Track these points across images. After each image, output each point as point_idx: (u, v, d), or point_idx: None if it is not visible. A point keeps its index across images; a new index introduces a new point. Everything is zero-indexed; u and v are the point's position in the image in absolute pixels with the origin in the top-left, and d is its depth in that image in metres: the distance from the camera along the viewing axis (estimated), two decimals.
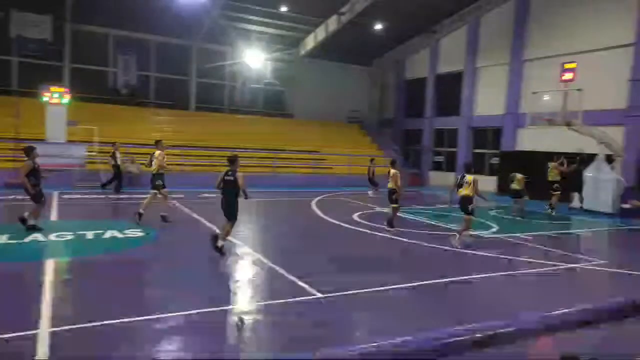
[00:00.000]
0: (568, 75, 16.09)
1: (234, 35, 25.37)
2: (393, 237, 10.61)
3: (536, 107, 17.36)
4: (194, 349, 4.59)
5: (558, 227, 13.49)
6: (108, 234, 9.49)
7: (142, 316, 5.13)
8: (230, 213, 8.24)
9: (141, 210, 10.75)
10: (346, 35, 25.45)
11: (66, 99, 18.34)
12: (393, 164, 11.76)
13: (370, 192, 18.78)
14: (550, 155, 16.41)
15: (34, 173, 9.51)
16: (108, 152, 19.40)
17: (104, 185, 16.99)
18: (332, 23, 25.04)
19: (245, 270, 7.68)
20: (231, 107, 28.05)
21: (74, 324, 4.82)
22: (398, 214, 11.59)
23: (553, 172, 15.56)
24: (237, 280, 7.06)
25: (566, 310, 1.20)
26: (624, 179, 16.70)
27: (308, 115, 28.81)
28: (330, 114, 29.26)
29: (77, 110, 19.51)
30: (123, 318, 5.02)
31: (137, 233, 9.73)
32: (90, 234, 9.37)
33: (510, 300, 6.90)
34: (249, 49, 26.28)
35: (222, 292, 6.36)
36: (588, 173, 16.83)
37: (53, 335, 4.54)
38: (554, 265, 8.64)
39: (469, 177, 9.81)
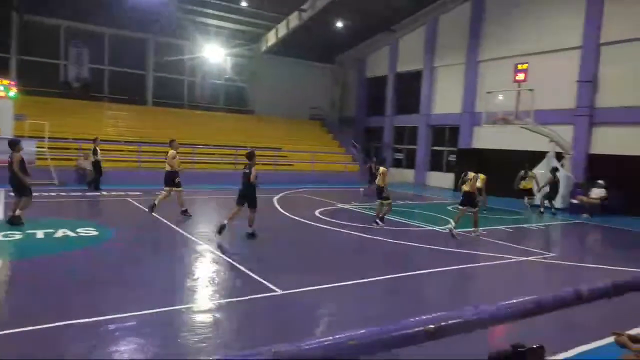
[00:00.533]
0: (520, 76, 16.75)
1: (192, 29, 24.83)
2: (353, 232, 10.72)
3: (491, 106, 17.98)
4: (149, 349, 4.47)
5: (511, 221, 14.03)
6: (60, 232, 9.10)
7: (93, 317, 4.95)
8: (250, 202, 9.49)
9: (156, 202, 11.41)
10: (308, 32, 25.43)
11: (13, 92, 17.39)
12: (382, 162, 12.58)
13: (361, 189, 19.19)
14: (507, 153, 17.05)
15: (24, 165, 9.77)
16: (59, 148, 18.64)
17: (89, 184, 16.49)
18: (293, 19, 24.96)
19: (204, 269, 7.56)
20: (191, 103, 27.47)
21: (20, 327, 4.59)
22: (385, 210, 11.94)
23: (530, 183, 15.91)
24: (196, 279, 6.94)
25: (515, 300, 1.25)
26: (573, 175, 17.59)
27: (270, 111, 28.63)
28: (292, 111, 29.20)
29: (26, 105, 18.59)
30: (73, 320, 4.83)
31: (91, 232, 9.39)
32: (40, 233, 8.96)
33: (464, 292, 7.13)
34: (208, 43, 25.83)
35: (180, 291, 6.23)
36: (539, 170, 17.57)
37: None
38: (507, 259, 8.98)
39: (470, 174, 10.77)
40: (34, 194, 10.25)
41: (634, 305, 5.34)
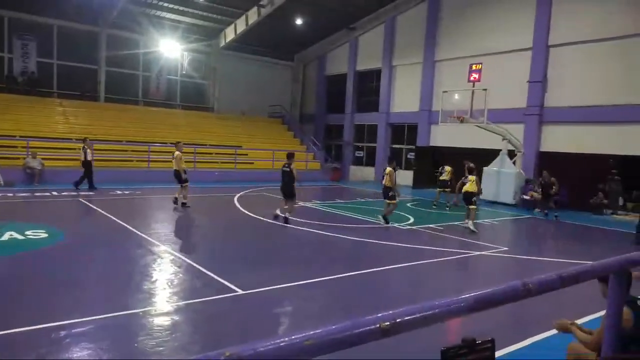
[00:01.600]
0: (475, 76, 17.29)
1: (147, 23, 24.10)
2: (314, 230, 10.75)
3: (447, 105, 18.47)
4: (102, 356, 4.31)
5: (465, 217, 14.44)
6: (6, 235, 8.63)
7: (44, 324, 4.73)
8: (289, 194, 11.36)
9: (184, 201, 13.06)
10: (267, 28, 25.25)
11: None
12: (390, 162, 12.60)
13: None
14: (463, 151, 17.56)
15: None
16: (5, 147, 17.67)
17: (76, 184, 15.74)
18: (252, 15, 24.69)
19: (162, 270, 7.37)
20: (146, 99, 26.67)
21: None
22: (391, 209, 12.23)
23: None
24: (154, 281, 6.75)
25: (466, 295, 1.28)
26: (524, 172, 18.35)
27: (229, 109, 28.25)
28: (252, 108, 28.93)
29: None
30: (21, 327, 4.60)
31: (40, 234, 8.95)
32: None
33: (419, 288, 7.30)
34: (164, 38, 25.16)
35: (136, 293, 6.05)
36: (492, 167, 18.23)
37: None
38: (462, 254, 9.26)
39: (471, 177, 11.93)
40: None
41: (581, 296, 5.65)
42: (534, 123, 19.14)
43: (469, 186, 11.95)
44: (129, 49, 25.30)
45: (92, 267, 7.33)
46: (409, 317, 1.06)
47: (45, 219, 10.66)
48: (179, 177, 13.20)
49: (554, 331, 4.82)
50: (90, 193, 15.13)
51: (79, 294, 5.95)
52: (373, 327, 1.06)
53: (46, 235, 8.97)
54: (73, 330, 4.67)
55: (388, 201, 12.05)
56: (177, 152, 13.29)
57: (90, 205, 12.92)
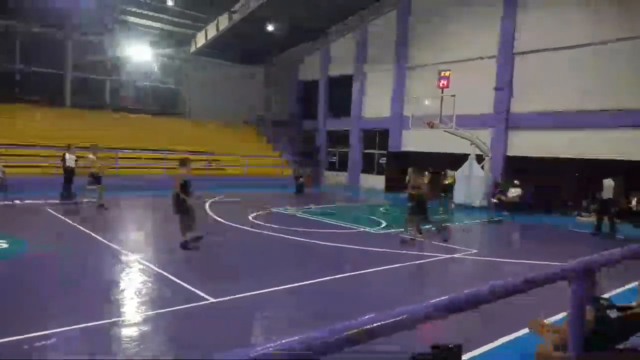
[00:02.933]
0: (444, 82, 17.65)
1: (116, 28, 23.61)
2: (286, 236, 10.71)
3: (417, 110, 18.77)
4: None
5: (439, 221, 14.68)
6: None
7: (8, 337, 4.53)
8: (181, 210, 9.07)
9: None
10: (239, 34, 25.10)
11: None
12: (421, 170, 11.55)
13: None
14: (433, 156, 17.87)
15: None
16: None
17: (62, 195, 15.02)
18: (223, 21, 24.54)
19: (131, 279, 7.19)
20: (114, 105, 26.06)
21: None
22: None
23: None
24: (122, 290, 6.58)
25: (434, 300, 1.30)
26: (492, 176, 18.82)
27: (202, 115, 27.90)
28: (225, 114, 28.64)
29: None
30: None
31: (1, 245, 8.60)
32: None
33: (390, 293, 7.35)
34: (134, 43, 24.69)
35: (105, 304, 5.88)
36: (461, 171, 18.61)
37: None
38: (433, 257, 9.40)
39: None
40: None
41: (549, 297, 5.81)
42: (501, 128, 19.66)
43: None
44: (97, 54, 24.69)
45: (57, 276, 7.08)
46: (377, 324, 1.07)
47: (6, 227, 10.26)
48: (98, 179, 13.85)
49: (522, 331, 4.95)
50: (56, 201, 14.62)
51: (44, 305, 5.74)
52: (344, 335, 1.06)
53: (6, 245, 8.62)
54: (37, 344, 4.50)
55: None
56: (91, 155, 14.11)
57: (56, 214, 12.50)
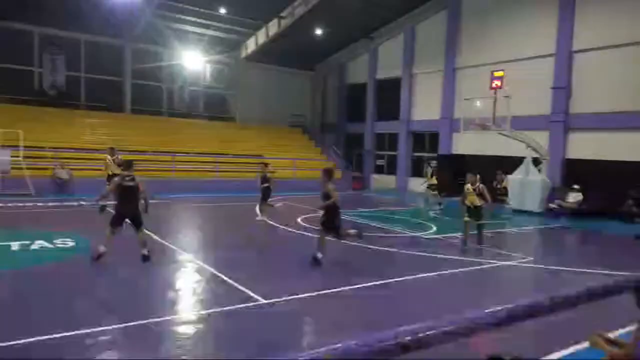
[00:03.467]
0: (497, 83, 17.07)
1: (170, 36, 24.64)
2: (335, 240, 10.72)
3: (469, 112, 18.27)
4: None
5: (489, 226, 14.21)
6: (36, 244, 8.88)
7: (73, 331, 4.84)
8: (135, 217, 8.22)
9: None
10: (287, 39, 25.50)
11: None
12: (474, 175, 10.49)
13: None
14: (486, 159, 17.36)
15: None
16: (35, 158, 18.22)
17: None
18: (273, 27, 25.01)
19: (187, 279, 7.46)
20: (170, 110, 27.20)
21: None
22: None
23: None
24: (178, 289, 6.85)
25: (492, 309, 1.27)
26: (550, 180, 17.97)
27: (251, 119, 28.56)
28: (273, 118, 29.18)
29: None
30: (51, 334, 4.72)
31: (68, 243, 9.19)
32: (15, 245, 8.73)
33: (443, 301, 7.18)
34: (187, 50, 25.67)
35: (161, 302, 6.13)
36: (517, 175, 17.91)
37: None
38: (487, 264, 9.09)
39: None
40: (9, 204, 9.98)
41: (613, 309, 5.47)
42: (559, 130, 18.76)
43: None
44: (153, 62, 25.89)
45: (118, 274, 7.46)
46: (430, 333, 1.05)
47: (72, 227, 10.92)
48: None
49: (582, 345, 4.69)
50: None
51: (105, 302, 6.06)
52: (394, 342, 1.06)
53: (73, 243, 9.19)
54: (99, 338, 4.76)
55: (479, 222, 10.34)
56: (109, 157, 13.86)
57: None
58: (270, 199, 13.76)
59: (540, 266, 9.24)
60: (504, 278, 8.65)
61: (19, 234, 9.81)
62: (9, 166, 16.76)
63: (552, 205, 16.82)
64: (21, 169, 16.66)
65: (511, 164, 18.23)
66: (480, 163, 19.02)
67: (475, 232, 10.44)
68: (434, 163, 24.78)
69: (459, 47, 23.20)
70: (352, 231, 9.05)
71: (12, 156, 16.81)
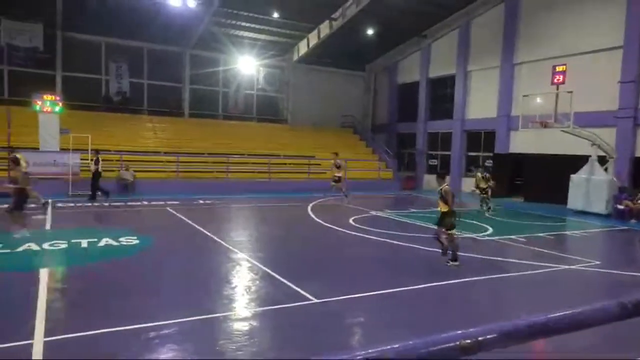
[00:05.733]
0: (559, 78, 16.25)
1: (226, 42, 25.40)
2: (388, 240, 10.63)
3: (528, 109, 17.50)
4: (185, 357, 4.57)
5: (551, 228, 13.56)
6: (103, 242, 9.45)
7: (136, 324, 5.11)
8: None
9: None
10: (338, 40, 25.56)
11: (58, 107, 18.25)
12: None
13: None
14: (547, 158, 16.56)
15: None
16: (103, 160, 19.33)
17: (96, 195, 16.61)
18: (324, 28, 25.15)
19: (241, 276, 7.67)
20: (225, 114, 28.06)
21: (68, 333, 4.80)
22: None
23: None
24: (234, 287, 7.05)
25: (557, 313, 1.22)
26: (617, 179, 16.86)
27: (302, 120, 28.88)
28: (324, 119, 29.34)
29: (70, 119, 19.44)
30: (117, 327, 5.01)
31: (132, 241, 9.70)
32: (84, 242, 9.33)
33: (503, 304, 6.94)
34: (241, 55, 26.36)
35: (217, 298, 6.35)
36: (581, 175, 16.96)
37: (47, 344, 4.51)
38: (548, 267, 8.68)
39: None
40: (79, 204, 10.64)
41: None
42: (628, 126, 17.56)
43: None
44: (210, 67, 26.81)
45: (178, 271, 7.80)
46: (492, 336, 1.03)
47: (136, 226, 11.52)
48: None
49: None
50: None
51: (165, 297, 6.36)
52: (452, 344, 1.05)
53: (137, 241, 9.69)
54: (161, 332, 5.00)
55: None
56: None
57: (176, 213, 13.77)
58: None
59: (608, 271, 8.70)
60: (566, 283, 8.22)
61: (88, 231, 10.48)
62: (79, 168, 17.94)
63: (619, 207, 15.78)
64: (89, 171, 17.77)
65: (574, 163, 17.29)
66: (540, 162, 18.20)
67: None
68: (488, 162, 23.99)
69: (517, 41, 22.29)
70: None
71: (81, 159, 17.98)
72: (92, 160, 16.60)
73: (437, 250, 9.64)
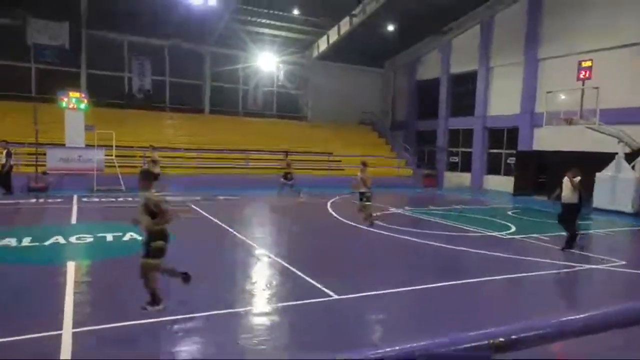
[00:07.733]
0: (584, 74, 15.89)
1: (246, 39, 25.55)
2: (407, 237, 10.58)
3: (552, 106, 17.16)
4: (210, 350, 4.65)
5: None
6: (127, 236, 9.64)
7: (161, 317, 5.21)
8: None
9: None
10: (358, 37, 25.45)
11: (84, 104, 18.65)
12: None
13: None
14: (572, 155, 16.19)
15: None
16: (125, 156, 19.72)
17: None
18: (344, 25, 25.06)
19: (262, 272, 7.75)
20: (245, 110, 28.25)
21: (96, 325, 4.93)
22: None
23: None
24: (254, 282, 7.12)
25: (584, 314, 1.21)
26: None
27: (321, 117, 28.88)
28: (344, 116, 29.28)
29: (94, 115, 19.85)
30: (143, 319, 5.12)
31: None
32: (110, 237, 9.54)
33: (525, 303, 6.84)
34: (261, 52, 26.47)
35: (239, 293, 6.42)
36: (607, 173, 16.56)
37: (76, 336, 4.64)
38: (573, 267, 8.53)
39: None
40: (103, 199, 10.83)
41: None
42: None
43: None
44: (230, 65, 27.02)
45: (199, 267, 7.89)
46: (524, 335, 1.03)
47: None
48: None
49: None
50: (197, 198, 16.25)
51: (187, 292, 6.45)
52: (482, 343, 1.05)
53: None
54: (184, 325, 5.09)
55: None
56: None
57: (197, 209, 13.94)
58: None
59: (635, 271, 8.49)
60: (592, 283, 8.06)
61: (113, 226, 10.70)
62: (103, 164, 18.32)
63: None
64: (114, 166, 18.15)
65: (600, 160, 16.89)
66: (564, 160, 17.78)
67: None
68: (510, 159, 23.61)
69: (541, 36, 21.85)
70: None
71: (105, 155, 18.36)
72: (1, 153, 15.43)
73: (460, 248, 9.56)
